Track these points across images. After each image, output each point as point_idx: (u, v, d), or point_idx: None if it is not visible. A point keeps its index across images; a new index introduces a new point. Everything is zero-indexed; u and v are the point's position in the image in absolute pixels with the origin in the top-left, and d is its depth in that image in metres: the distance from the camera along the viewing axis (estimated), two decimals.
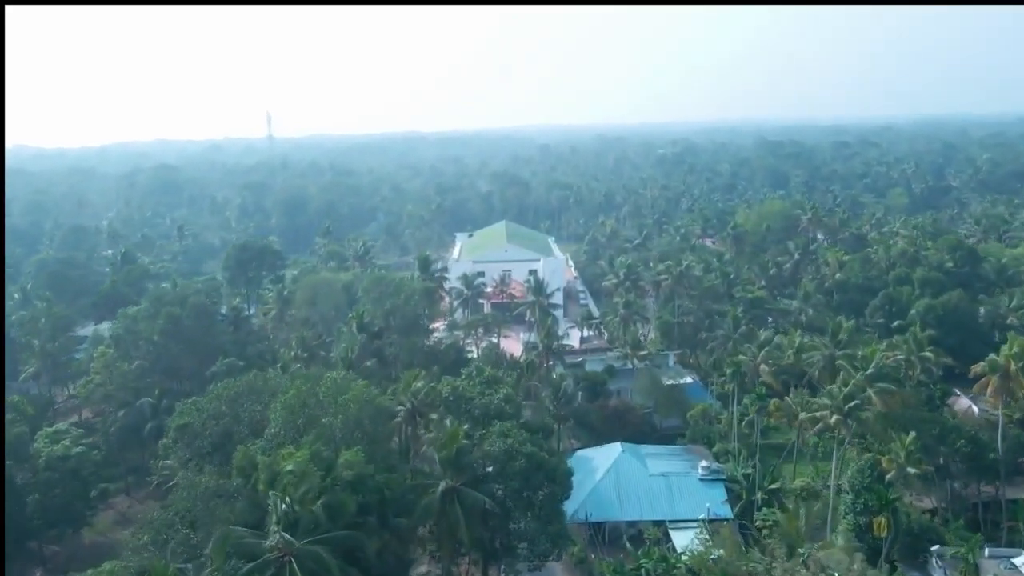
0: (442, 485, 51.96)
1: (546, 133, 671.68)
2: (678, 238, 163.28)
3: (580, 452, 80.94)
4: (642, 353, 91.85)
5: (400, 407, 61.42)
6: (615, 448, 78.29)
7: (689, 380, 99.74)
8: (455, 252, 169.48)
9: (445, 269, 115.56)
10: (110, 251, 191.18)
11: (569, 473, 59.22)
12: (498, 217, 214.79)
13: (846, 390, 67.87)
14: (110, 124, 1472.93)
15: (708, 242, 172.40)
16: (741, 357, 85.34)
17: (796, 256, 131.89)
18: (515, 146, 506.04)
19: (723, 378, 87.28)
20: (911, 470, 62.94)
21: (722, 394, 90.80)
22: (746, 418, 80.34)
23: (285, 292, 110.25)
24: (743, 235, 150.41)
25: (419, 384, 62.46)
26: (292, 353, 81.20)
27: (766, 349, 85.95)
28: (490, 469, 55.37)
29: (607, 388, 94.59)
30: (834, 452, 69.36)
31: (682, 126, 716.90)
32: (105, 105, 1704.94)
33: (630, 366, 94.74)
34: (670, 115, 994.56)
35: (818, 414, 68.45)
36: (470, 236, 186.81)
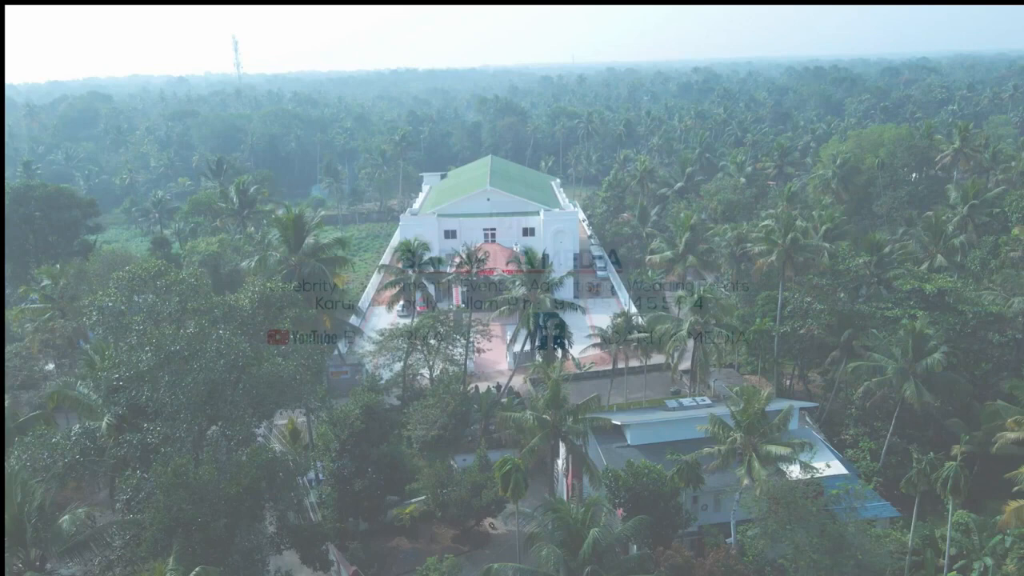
0: None
1: (546, 70, 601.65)
2: (742, 179, 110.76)
3: None
4: (782, 463, 39.94)
5: None
6: None
7: (843, 468, 49.29)
8: (418, 201, 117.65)
9: (342, 243, 60.26)
10: None
11: None
12: (488, 153, 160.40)
13: None
14: (90, 61, 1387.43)
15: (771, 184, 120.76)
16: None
17: (963, 210, 79.98)
18: (514, 79, 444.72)
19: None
20: None
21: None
22: None
23: (62, 282, 59.04)
24: (851, 175, 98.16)
25: None
26: None
27: None
28: None
29: (680, 503, 44.38)
30: None
31: (686, 63, 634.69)
32: (87, 41, 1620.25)
33: (716, 451, 44.01)
34: (665, 54, 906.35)
35: None
36: (442, 177, 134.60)
